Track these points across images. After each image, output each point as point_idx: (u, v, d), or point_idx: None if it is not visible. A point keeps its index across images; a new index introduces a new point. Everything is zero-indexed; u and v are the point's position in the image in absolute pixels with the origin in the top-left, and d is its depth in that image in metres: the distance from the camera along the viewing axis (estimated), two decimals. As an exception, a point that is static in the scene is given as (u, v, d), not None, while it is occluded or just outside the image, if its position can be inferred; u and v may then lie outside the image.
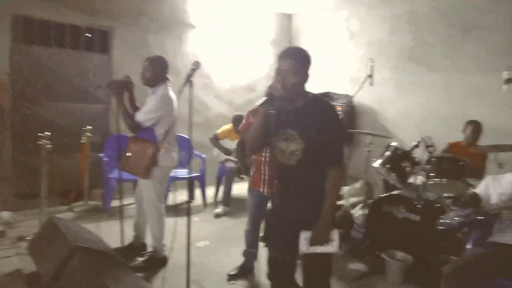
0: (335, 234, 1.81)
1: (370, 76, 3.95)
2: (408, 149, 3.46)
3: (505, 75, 3.07)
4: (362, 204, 4.48)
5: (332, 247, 1.80)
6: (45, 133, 3.41)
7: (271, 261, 2.06)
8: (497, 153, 3.16)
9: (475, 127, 3.72)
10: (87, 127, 4.19)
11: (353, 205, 4.56)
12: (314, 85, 2.63)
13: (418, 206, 3.23)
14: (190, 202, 4.69)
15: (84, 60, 4.73)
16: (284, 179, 1.95)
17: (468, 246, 2.45)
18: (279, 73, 1.80)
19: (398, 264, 3.00)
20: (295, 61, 1.79)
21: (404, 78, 4.88)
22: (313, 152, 1.81)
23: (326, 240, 1.80)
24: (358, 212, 4.29)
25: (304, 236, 1.80)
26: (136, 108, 3.02)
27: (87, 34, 4.75)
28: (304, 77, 1.83)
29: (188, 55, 5.30)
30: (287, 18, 6.40)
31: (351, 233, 3.73)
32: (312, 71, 1.88)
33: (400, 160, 3.41)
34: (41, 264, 2.32)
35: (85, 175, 4.26)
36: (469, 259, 2.24)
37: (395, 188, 3.67)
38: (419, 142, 3.48)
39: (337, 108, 4.96)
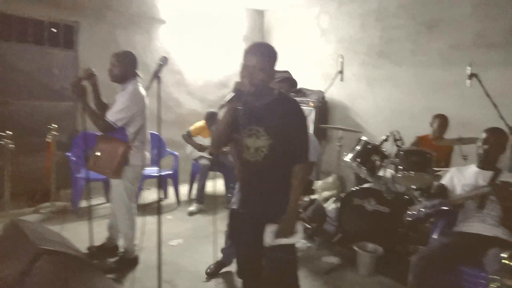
0: (299, 226, 1.87)
1: (341, 72, 3.99)
2: (378, 143, 3.53)
3: (468, 70, 3.18)
4: (335, 198, 4.56)
5: (296, 238, 1.87)
6: (7, 132, 3.26)
7: (239, 259, 2.05)
8: (462, 145, 3.28)
9: (442, 121, 3.84)
10: (53, 125, 4.04)
11: (326, 199, 4.63)
12: (285, 81, 2.64)
13: (387, 198, 3.31)
14: (161, 200, 4.62)
15: (49, 56, 4.55)
16: (248, 176, 1.94)
17: (434, 236, 2.54)
18: (245, 69, 1.78)
19: (368, 256, 3.07)
20: (262, 57, 1.78)
21: (373, 73, 4.98)
22: (278, 148, 1.81)
23: (292, 233, 1.83)
24: (331, 206, 4.35)
25: (270, 229, 1.83)
26: (102, 104, 2.91)
27: (51, 29, 4.57)
28: (270, 73, 1.82)
29: (158, 51, 5.20)
30: (259, 14, 6.39)
31: (324, 227, 3.79)
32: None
33: (370, 154, 3.48)
34: (3, 269, 2.22)
35: (51, 175, 4.11)
36: (434, 248, 2.32)
37: (366, 182, 3.75)
38: (388, 136, 3.56)
39: (310, 104, 5.01)
